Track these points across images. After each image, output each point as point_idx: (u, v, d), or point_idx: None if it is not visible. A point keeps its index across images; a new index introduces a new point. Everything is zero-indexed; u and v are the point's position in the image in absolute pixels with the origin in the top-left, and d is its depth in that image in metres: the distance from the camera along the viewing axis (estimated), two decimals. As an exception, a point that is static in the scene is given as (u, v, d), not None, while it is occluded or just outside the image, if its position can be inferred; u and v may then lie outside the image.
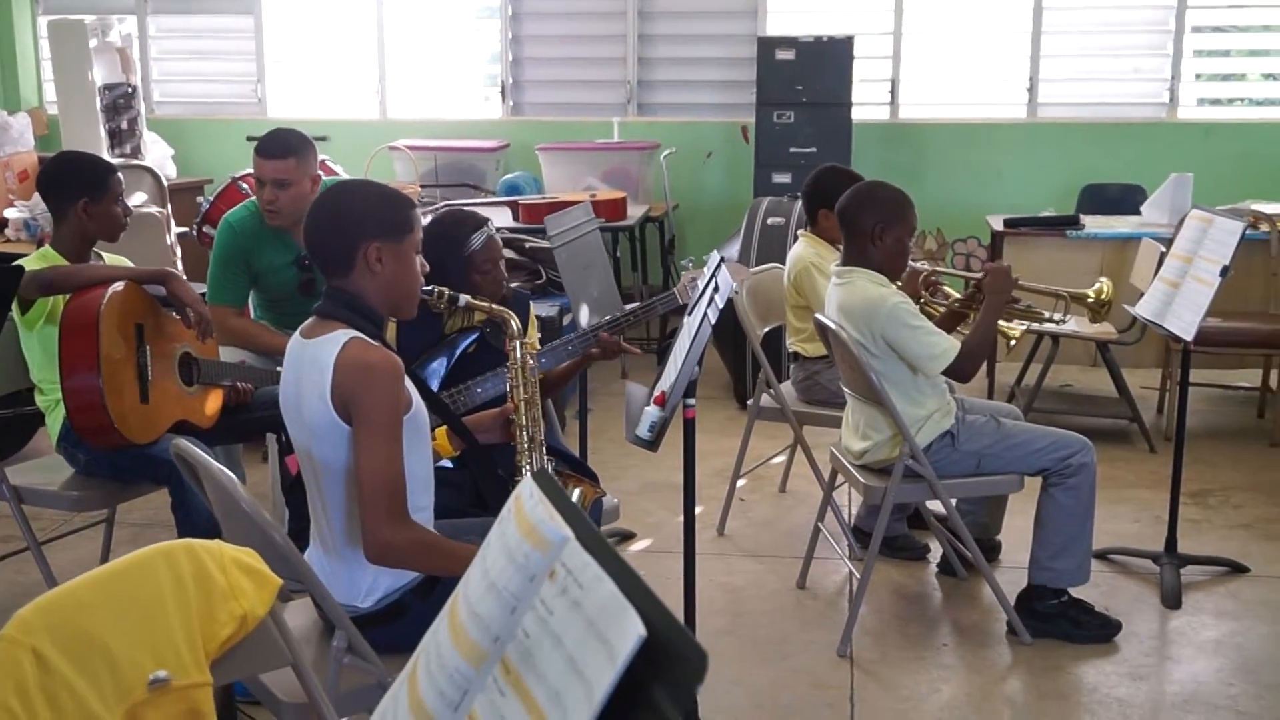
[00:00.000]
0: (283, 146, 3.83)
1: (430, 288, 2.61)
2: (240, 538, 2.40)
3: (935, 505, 3.73)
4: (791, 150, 6.63)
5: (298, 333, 2.49)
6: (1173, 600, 3.74)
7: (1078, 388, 5.94)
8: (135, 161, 6.42)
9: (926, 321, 3.43)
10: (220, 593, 1.94)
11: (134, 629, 1.85)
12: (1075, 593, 3.58)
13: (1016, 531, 3.70)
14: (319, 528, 2.57)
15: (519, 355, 2.63)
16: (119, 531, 4.06)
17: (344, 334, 2.38)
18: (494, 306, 2.68)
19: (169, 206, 6.23)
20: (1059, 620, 3.53)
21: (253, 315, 4.25)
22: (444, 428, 2.71)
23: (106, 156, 6.32)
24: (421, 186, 6.74)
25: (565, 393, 4.75)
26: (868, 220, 3.46)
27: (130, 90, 6.66)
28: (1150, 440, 5.12)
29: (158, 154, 7.06)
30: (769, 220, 5.76)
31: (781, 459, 4.76)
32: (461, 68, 7.96)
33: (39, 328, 3.39)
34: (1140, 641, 3.53)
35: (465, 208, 3.52)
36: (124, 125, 6.63)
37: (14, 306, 3.35)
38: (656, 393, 2.68)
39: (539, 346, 3.34)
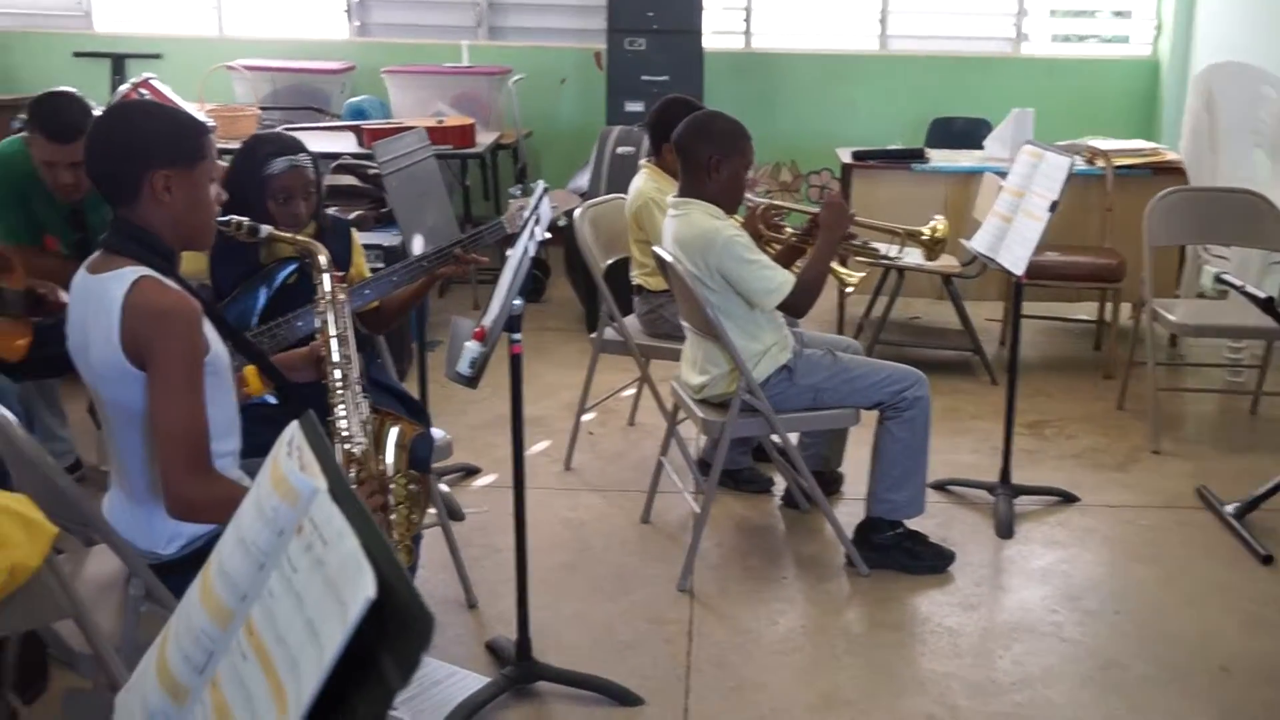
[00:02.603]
0: (74, 127, 3.39)
1: (228, 218, 2.44)
2: (27, 482, 2.25)
3: (778, 438, 3.72)
4: (643, 78, 6.50)
5: (84, 267, 2.30)
6: (1005, 530, 3.80)
7: (925, 320, 6.00)
8: (-56, 77, 5.99)
9: (761, 255, 3.38)
10: (-15, 544, 1.80)
11: (-118, 585, 1.71)
12: (911, 524, 3.62)
13: (860, 464, 3.72)
14: (117, 472, 2.41)
15: (328, 289, 2.49)
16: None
17: (132, 271, 2.21)
18: (299, 238, 2.53)
19: (-15, 126, 5.85)
20: (895, 552, 3.56)
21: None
22: (250, 368, 2.56)
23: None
24: (261, 109, 6.43)
25: (411, 327, 4.61)
26: (703, 152, 3.38)
27: (-62, 0, 6.20)
28: (991, 372, 5.20)
29: (-28, 70, 6.62)
30: (618, 149, 5.65)
31: (631, 392, 4.71)
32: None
33: None
34: (973, 571, 3.58)
35: (284, 133, 3.32)
36: (-69, 38, 6.18)
37: None
38: (477, 327, 2.57)
39: (368, 275, 3.21)
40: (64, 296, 3.41)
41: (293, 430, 1.29)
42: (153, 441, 2.23)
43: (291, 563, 1.14)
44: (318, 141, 5.76)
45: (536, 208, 2.73)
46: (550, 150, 7.20)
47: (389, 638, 0.97)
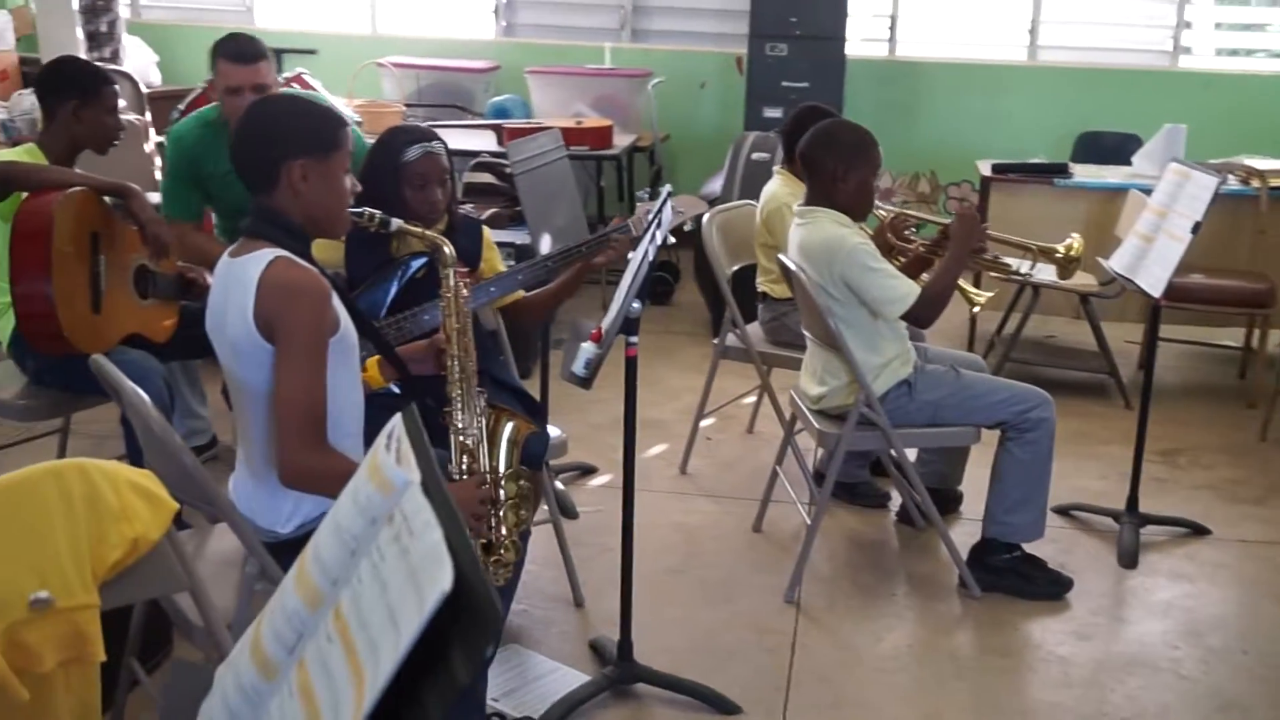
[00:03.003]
0: (255, 51, 3.71)
1: (361, 210, 2.52)
2: (156, 459, 2.35)
3: (895, 453, 3.67)
4: (783, 84, 6.47)
5: (226, 253, 2.42)
6: (1129, 560, 3.69)
7: (1061, 339, 5.85)
8: (113, 66, 6.28)
9: (887, 264, 3.34)
10: (112, 514, 1.89)
11: (16, 548, 1.80)
12: (1030, 548, 3.54)
13: (980, 483, 3.65)
14: (244, 450, 2.52)
15: (452, 283, 2.55)
16: (77, 442, 4.01)
17: (270, 252, 2.32)
18: (427, 233, 2.59)
19: (148, 114, 6.12)
20: (1010, 575, 3.49)
21: (216, 224, 4.20)
22: (376, 358, 2.64)
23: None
24: (406, 106, 6.60)
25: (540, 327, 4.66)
26: (830, 162, 3.36)
27: (110, -7, 6.52)
28: (1126, 396, 5.04)
29: (140, 59, 6.92)
30: (753, 155, 5.64)
31: (752, 399, 4.70)
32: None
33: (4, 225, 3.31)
34: (1091, 600, 3.48)
35: (419, 125, 3.42)
36: (103, 28, 6.49)
37: None
38: (594, 328, 2.60)
39: (501, 270, 3.27)
40: (211, 280, 3.56)
41: (395, 423, 1.33)
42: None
43: (380, 551, 1.18)
44: (459, 139, 5.89)
45: (659, 212, 2.75)
46: (687, 154, 7.22)
47: (460, 631, 1.00)
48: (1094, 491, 4.13)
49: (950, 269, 3.38)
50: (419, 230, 2.60)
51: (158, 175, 5.85)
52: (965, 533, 3.70)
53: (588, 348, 2.58)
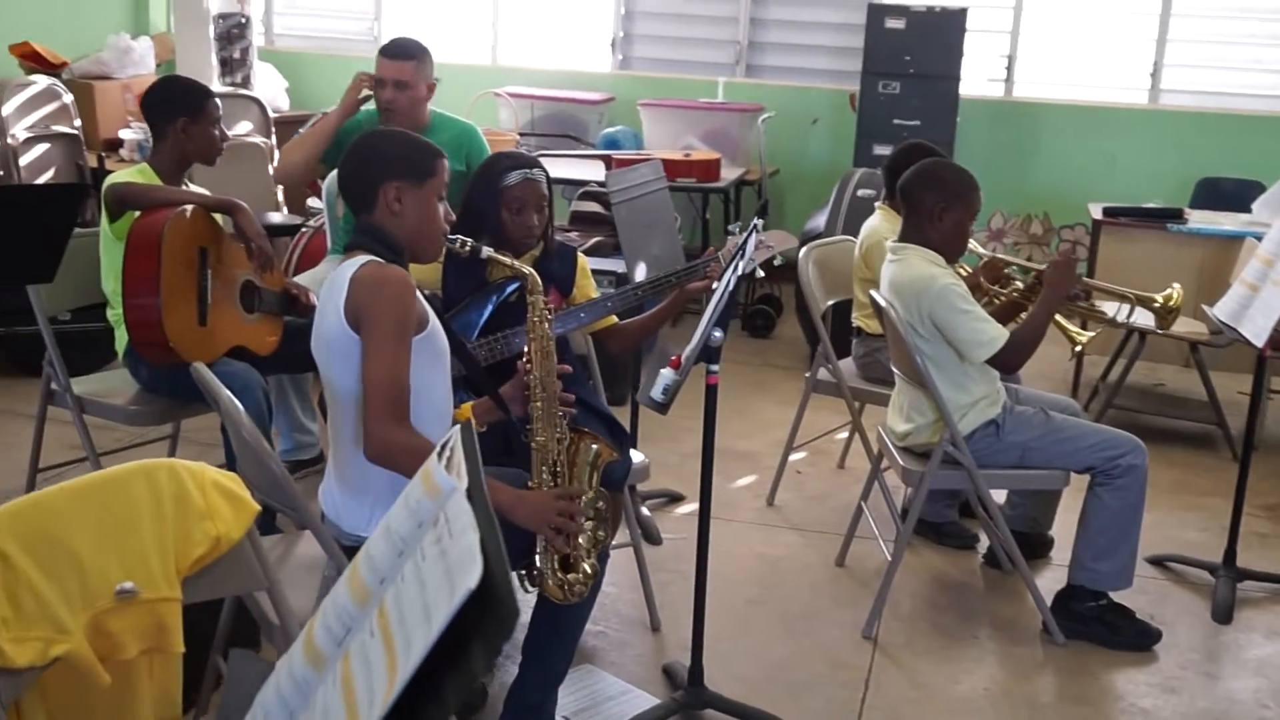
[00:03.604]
0: (404, 50, 4.08)
1: (455, 237, 2.62)
2: (248, 464, 2.46)
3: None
4: (895, 122, 6.46)
5: (332, 268, 2.55)
6: (1223, 614, 3.59)
7: (1170, 387, 5.71)
8: (242, 91, 6.56)
9: (977, 306, 3.32)
10: (197, 513, 1.98)
11: (106, 540, 1.90)
12: (1121, 598, 3.47)
13: (1072, 528, 3.59)
14: (333, 457, 2.62)
15: (538, 310, 2.62)
16: (185, 448, 4.18)
17: (365, 257, 2.47)
18: (515, 263, 2.66)
19: (274, 137, 6.37)
20: (1095, 623, 3.42)
21: (330, 242, 4.37)
22: (468, 405, 2.71)
23: (216, 85, 6.49)
24: (520, 135, 6.74)
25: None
26: (929, 200, 3.36)
27: (243, 20, 6.80)
28: (1234, 448, 4.89)
29: (270, 85, 7.20)
30: (859, 192, 5.64)
31: (845, 434, 4.69)
32: (575, 17, 7.93)
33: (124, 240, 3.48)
34: (1180, 654, 3.40)
35: (524, 152, 3.52)
36: (235, 55, 6.78)
37: (104, 215, 3.48)
38: (674, 356, 2.65)
39: (593, 297, 3.33)
40: (314, 299, 3.69)
41: (452, 433, 1.39)
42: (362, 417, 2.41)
43: (423, 552, 1.24)
44: (568, 168, 6.00)
45: (743, 245, 2.79)
46: (795, 189, 7.23)
47: (482, 627, 1.05)
48: (1192, 543, 4.03)
49: (1041, 315, 3.35)
50: (508, 260, 2.67)
51: (279, 196, 6.09)
52: (1053, 578, 3.64)
53: (666, 374, 2.63)
